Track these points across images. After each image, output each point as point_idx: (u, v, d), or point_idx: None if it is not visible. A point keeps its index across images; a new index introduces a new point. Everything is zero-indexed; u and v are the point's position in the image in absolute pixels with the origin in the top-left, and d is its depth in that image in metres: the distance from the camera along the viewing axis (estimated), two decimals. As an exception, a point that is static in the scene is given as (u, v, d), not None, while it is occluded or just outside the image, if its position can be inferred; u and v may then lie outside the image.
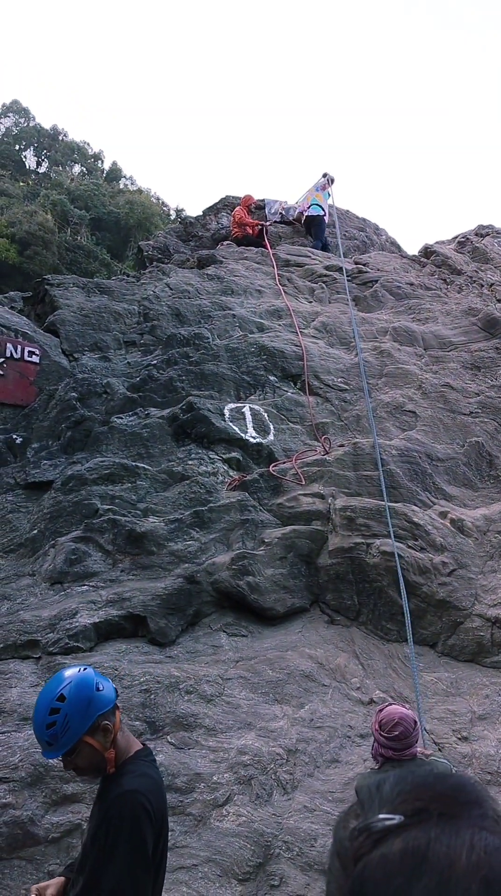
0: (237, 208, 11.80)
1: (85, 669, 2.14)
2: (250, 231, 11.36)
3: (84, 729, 2.00)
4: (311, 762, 4.20)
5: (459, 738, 4.70)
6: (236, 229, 11.50)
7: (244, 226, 11.38)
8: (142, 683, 4.18)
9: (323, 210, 11.81)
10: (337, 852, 0.64)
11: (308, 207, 11.82)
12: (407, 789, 0.64)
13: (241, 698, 4.43)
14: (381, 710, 3.08)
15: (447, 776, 0.66)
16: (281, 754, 4.12)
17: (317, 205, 11.78)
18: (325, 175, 12.33)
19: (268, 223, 11.79)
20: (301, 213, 11.97)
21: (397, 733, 2.91)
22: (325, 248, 11.47)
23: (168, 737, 3.99)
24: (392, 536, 5.70)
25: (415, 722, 3.00)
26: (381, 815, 0.62)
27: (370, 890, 0.57)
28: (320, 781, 4.08)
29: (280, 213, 12.20)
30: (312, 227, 11.72)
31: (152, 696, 4.14)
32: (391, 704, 3.15)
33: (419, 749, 3.09)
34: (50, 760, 3.56)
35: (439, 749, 4.56)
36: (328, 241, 11.73)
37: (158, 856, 2.01)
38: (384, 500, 6.13)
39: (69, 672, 2.12)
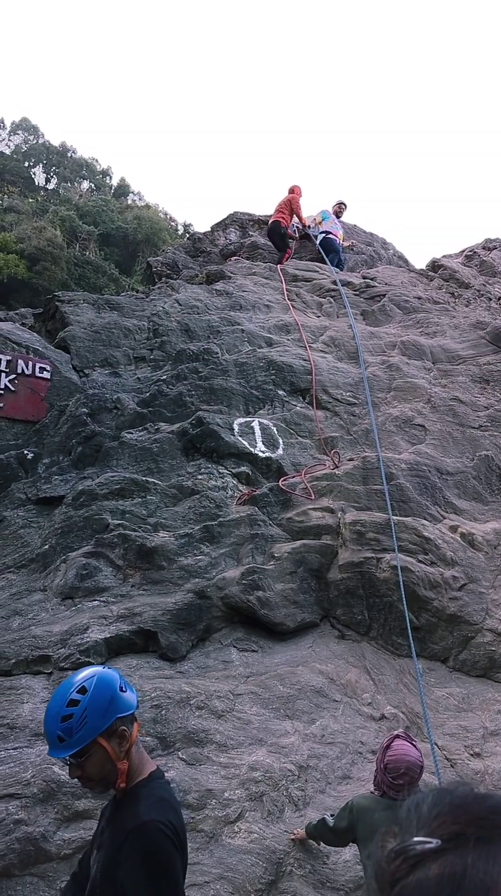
0: (293, 195, 11.69)
1: (110, 669, 2.01)
2: (295, 230, 11.41)
3: (101, 728, 1.85)
4: (323, 778, 4.18)
5: (471, 755, 4.67)
6: (285, 213, 11.39)
7: (296, 216, 11.41)
8: (153, 699, 4.17)
9: (331, 232, 11.86)
10: (375, 873, 0.64)
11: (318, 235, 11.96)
12: (445, 811, 0.63)
13: (252, 714, 4.42)
14: (388, 747, 3.06)
15: (485, 797, 0.65)
16: (293, 770, 4.11)
17: (322, 232, 11.86)
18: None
19: (315, 227, 11.91)
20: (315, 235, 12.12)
21: (401, 783, 2.93)
22: (339, 265, 11.55)
23: (179, 752, 3.99)
24: (396, 549, 5.69)
25: (421, 767, 2.99)
26: (418, 838, 0.62)
27: None
28: (331, 798, 4.06)
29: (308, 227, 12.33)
30: (328, 252, 11.78)
31: (163, 712, 4.14)
32: (398, 738, 3.10)
33: None
34: (63, 776, 3.58)
35: (451, 766, 4.53)
36: (343, 258, 11.81)
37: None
38: (395, 515, 6.13)
39: (93, 668, 1.97)
